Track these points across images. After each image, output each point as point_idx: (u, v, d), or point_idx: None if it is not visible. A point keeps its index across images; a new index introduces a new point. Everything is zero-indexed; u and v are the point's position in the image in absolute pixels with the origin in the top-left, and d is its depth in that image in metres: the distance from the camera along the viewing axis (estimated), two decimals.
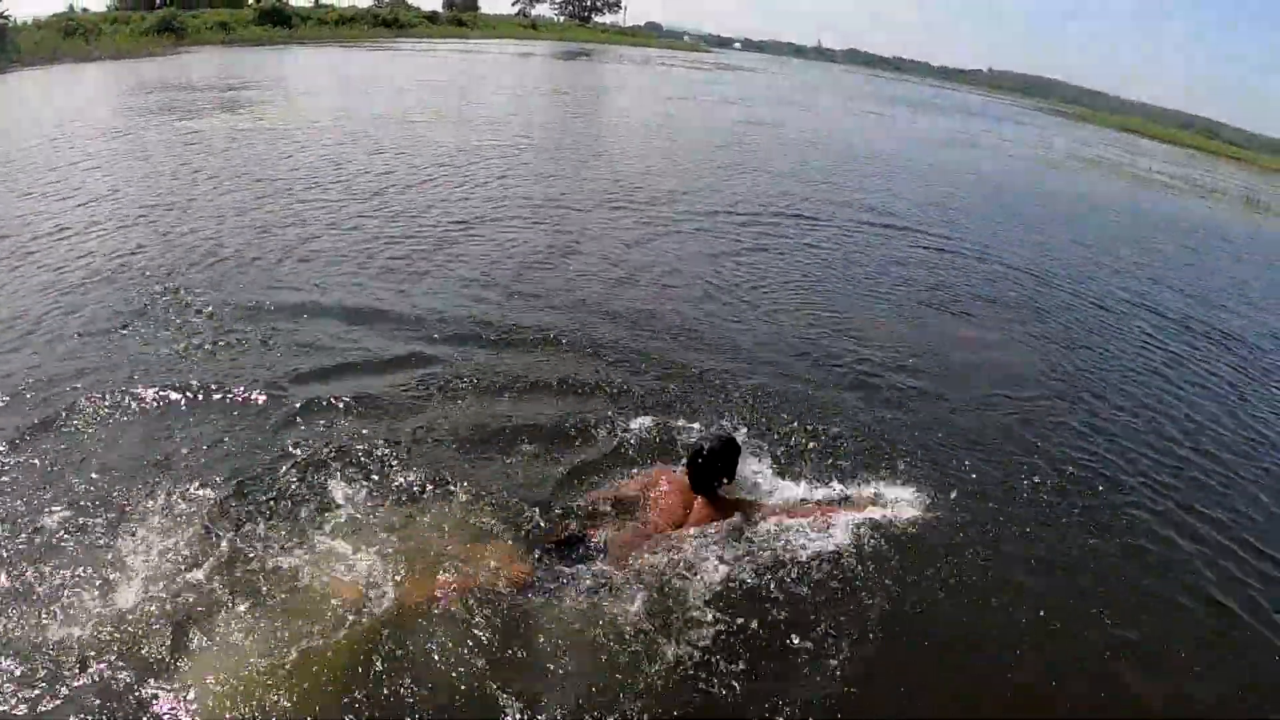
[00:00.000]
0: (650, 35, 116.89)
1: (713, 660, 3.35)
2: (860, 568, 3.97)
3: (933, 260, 10.99)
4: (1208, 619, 4.26)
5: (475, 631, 3.31)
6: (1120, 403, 7.06)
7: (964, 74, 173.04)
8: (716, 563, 3.76)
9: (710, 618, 3.51)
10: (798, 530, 4.03)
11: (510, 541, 3.80)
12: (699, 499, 3.99)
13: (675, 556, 3.76)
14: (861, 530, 4.14)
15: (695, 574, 3.69)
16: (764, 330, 7.45)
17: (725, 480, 4.06)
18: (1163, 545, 4.88)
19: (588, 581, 3.58)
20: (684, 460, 4.10)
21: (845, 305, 8.49)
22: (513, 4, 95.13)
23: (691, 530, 3.88)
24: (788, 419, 5.52)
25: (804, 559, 3.91)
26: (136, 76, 24.16)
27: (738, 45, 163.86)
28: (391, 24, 56.37)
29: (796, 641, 3.53)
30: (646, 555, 3.75)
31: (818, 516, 4.12)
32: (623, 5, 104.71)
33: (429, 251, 8.49)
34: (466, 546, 3.72)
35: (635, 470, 4.55)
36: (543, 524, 3.99)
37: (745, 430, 5.15)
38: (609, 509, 4.12)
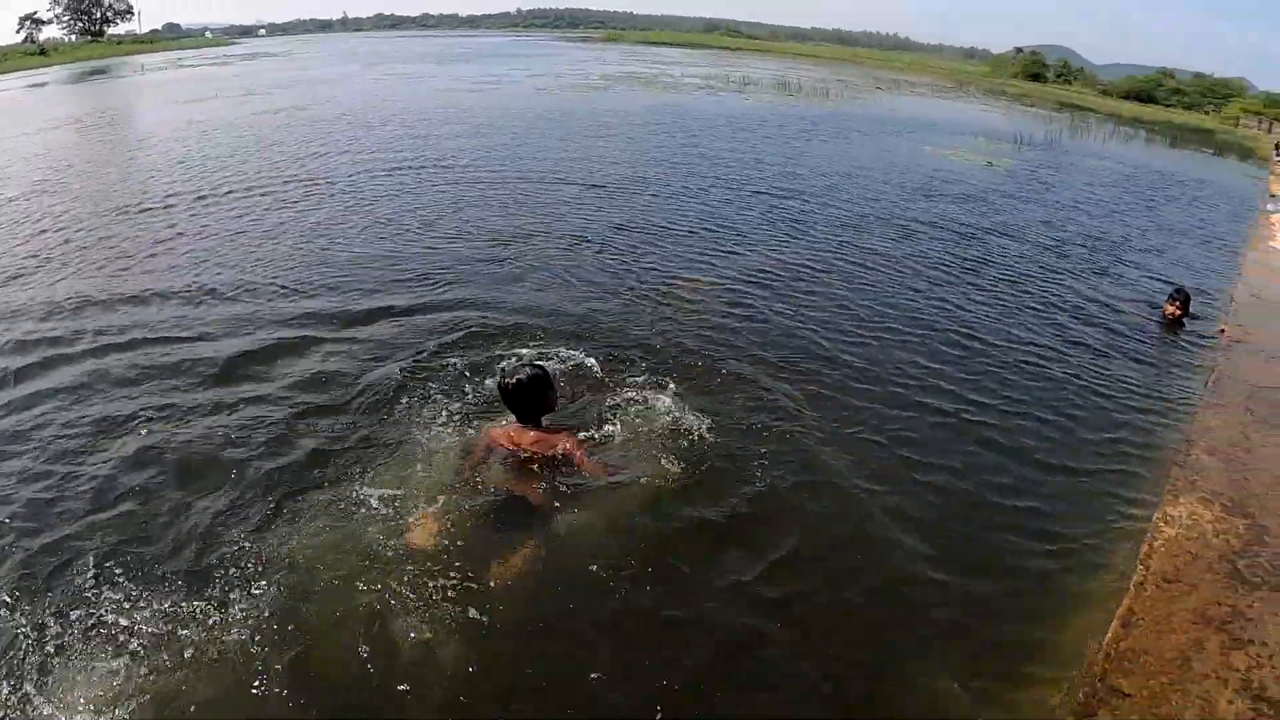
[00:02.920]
0: (171, 38, 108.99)
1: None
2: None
3: (479, 194, 12.00)
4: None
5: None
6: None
7: (493, 18, 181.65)
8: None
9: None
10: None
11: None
12: (531, 433, 4.50)
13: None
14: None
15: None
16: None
17: (550, 410, 4.67)
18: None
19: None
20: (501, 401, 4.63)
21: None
22: (16, 31, 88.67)
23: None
24: None
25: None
26: None
27: (262, 31, 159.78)
28: None
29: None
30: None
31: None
32: (135, 11, 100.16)
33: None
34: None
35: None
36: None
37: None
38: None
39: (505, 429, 4.56)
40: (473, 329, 6.63)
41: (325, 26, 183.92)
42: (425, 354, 6.09)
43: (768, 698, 3.44)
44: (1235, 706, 3.51)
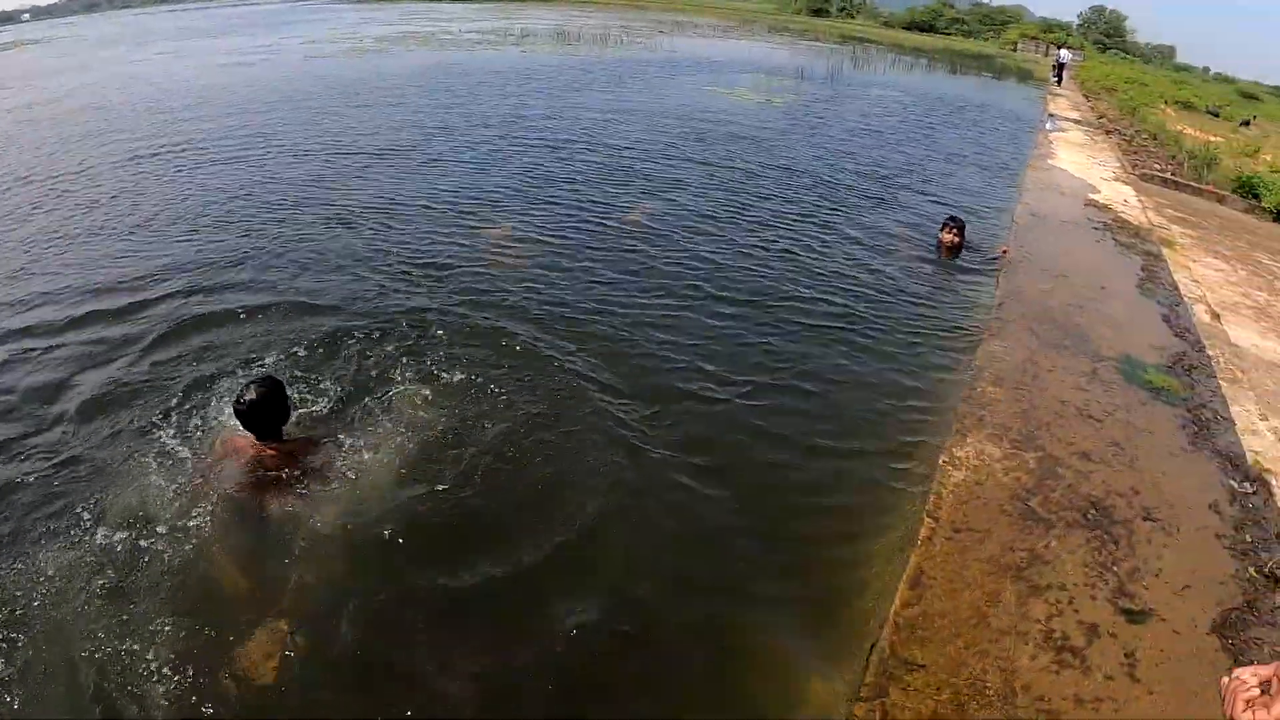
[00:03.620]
0: None
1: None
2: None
3: (223, 177, 11.12)
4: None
5: None
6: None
7: None
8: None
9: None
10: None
11: None
12: (271, 449, 4.27)
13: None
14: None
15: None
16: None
17: (287, 419, 4.40)
18: None
19: None
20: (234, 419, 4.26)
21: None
22: None
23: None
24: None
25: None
26: None
27: (26, 16, 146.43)
28: None
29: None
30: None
31: None
32: None
33: None
34: None
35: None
36: None
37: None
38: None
39: (246, 440, 4.28)
40: (203, 325, 6.10)
41: (91, 6, 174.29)
42: (148, 355, 5.60)
43: (545, 698, 3.29)
44: (1038, 662, 3.37)
